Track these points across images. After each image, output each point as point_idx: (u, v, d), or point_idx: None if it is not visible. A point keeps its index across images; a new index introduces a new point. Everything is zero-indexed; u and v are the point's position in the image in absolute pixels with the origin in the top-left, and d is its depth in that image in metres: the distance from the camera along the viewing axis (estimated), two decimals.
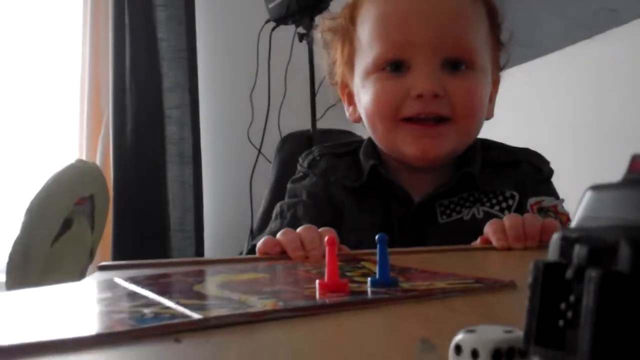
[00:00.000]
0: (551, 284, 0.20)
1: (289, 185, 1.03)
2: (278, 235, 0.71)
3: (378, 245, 0.49)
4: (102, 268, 0.67)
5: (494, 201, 0.92)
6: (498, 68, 1.00)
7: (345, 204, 0.94)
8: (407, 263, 0.60)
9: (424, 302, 0.45)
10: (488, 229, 0.77)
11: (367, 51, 0.94)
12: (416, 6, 0.92)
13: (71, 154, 2.49)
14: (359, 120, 0.99)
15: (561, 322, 0.20)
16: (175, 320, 0.38)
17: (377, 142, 0.96)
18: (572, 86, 1.28)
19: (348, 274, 0.54)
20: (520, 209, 0.90)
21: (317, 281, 0.46)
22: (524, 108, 1.45)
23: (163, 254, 2.54)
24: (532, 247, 0.75)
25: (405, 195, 0.93)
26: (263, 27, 2.32)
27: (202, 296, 0.46)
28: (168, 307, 0.42)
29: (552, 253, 0.22)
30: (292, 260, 0.66)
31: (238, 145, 2.48)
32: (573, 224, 0.23)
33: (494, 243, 0.75)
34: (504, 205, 0.91)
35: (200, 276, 0.54)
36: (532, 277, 0.21)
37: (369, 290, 0.47)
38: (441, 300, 0.45)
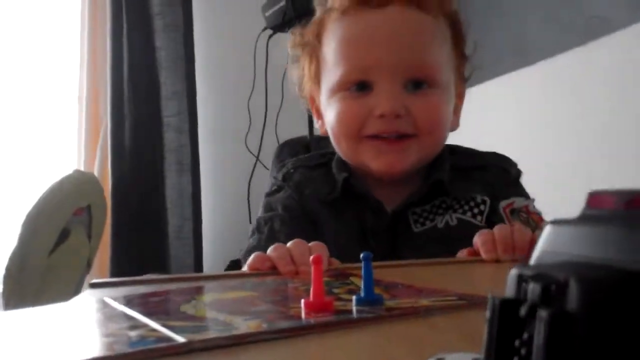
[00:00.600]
0: (507, 320, 0.21)
1: (264, 199, 1.06)
2: (269, 250, 0.72)
3: (363, 263, 0.49)
4: (93, 286, 0.68)
5: (466, 207, 0.94)
6: (463, 80, 1.03)
7: (321, 216, 0.96)
8: (394, 277, 0.60)
9: (408, 321, 0.45)
10: (477, 240, 0.78)
11: (332, 70, 0.97)
12: (379, 29, 0.94)
13: (70, 164, 2.50)
14: (327, 134, 1.01)
15: (516, 359, 0.21)
16: (160, 345, 0.39)
17: (343, 158, 0.99)
18: (564, 93, 1.29)
19: (335, 290, 0.55)
20: (493, 213, 0.92)
21: (302, 300, 0.47)
22: (517, 115, 1.45)
23: (162, 262, 2.55)
24: (521, 259, 0.75)
25: (378, 206, 0.95)
26: (260, 34, 2.34)
27: (188, 317, 0.46)
28: (154, 330, 0.43)
29: (509, 289, 0.22)
30: (282, 276, 0.67)
31: (236, 153, 2.50)
32: (533, 259, 0.24)
33: (483, 255, 0.76)
34: (475, 210, 0.93)
35: (188, 294, 0.54)
36: (489, 312, 0.21)
37: (354, 309, 0.48)
38: (425, 319, 0.46)
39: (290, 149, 2.00)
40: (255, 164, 2.44)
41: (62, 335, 0.45)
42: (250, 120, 2.47)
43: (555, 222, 0.24)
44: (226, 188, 2.64)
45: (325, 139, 1.04)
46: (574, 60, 1.22)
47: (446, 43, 0.97)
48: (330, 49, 0.98)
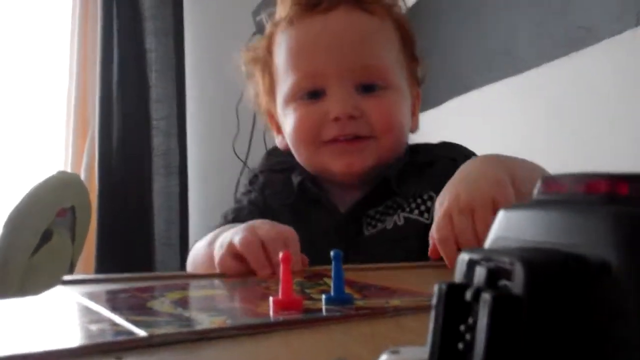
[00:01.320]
0: (454, 306, 0.20)
1: (234, 200, 1.06)
2: (239, 246, 0.69)
3: (333, 262, 0.49)
4: (65, 282, 0.67)
5: (413, 205, 0.92)
6: (417, 82, 1.04)
7: (282, 219, 0.94)
8: (369, 279, 0.60)
9: (376, 320, 0.45)
10: (435, 237, 0.72)
11: (284, 81, 0.98)
12: (325, 35, 0.94)
13: (57, 165, 2.48)
14: (287, 148, 1.01)
15: (460, 345, 0.20)
16: (119, 338, 0.38)
17: (305, 166, 0.98)
18: (549, 104, 1.29)
19: (307, 290, 0.54)
20: None
21: (271, 298, 0.46)
22: (502, 124, 1.45)
23: (147, 266, 2.53)
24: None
25: (332, 208, 0.95)
26: (250, 39, 2.33)
27: (153, 313, 0.45)
28: (116, 324, 0.42)
29: (457, 273, 0.22)
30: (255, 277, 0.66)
31: (224, 157, 2.48)
32: (486, 244, 0.23)
33: (446, 261, 0.72)
34: (422, 208, 0.91)
35: (157, 292, 0.53)
36: (436, 298, 0.21)
37: (323, 307, 0.47)
38: (393, 318, 0.45)
39: (277, 155, 1.99)
40: (243, 169, 2.42)
41: (22, 328, 0.45)
42: (238, 125, 2.47)
43: (508, 208, 0.23)
44: (213, 192, 2.63)
45: None
46: (559, 70, 1.22)
47: (394, 45, 0.98)
48: (280, 60, 0.98)
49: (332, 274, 0.48)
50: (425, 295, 0.50)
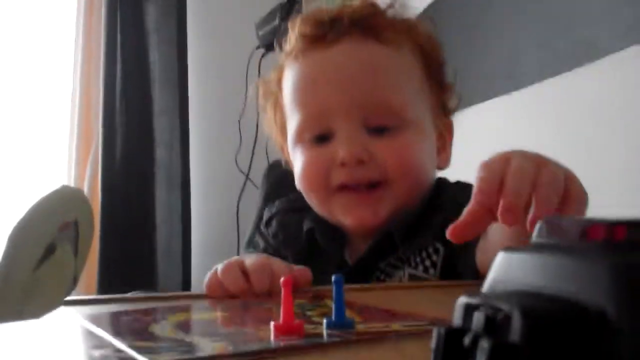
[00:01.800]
0: (452, 351, 0.21)
1: (254, 229, 1.01)
2: (219, 271, 0.69)
3: (334, 286, 0.49)
4: (67, 303, 0.67)
5: (418, 259, 0.82)
6: (445, 112, 0.94)
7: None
8: (371, 300, 0.60)
9: (377, 346, 0.45)
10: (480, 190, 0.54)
11: (290, 119, 0.90)
12: (329, 69, 0.86)
13: (60, 179, 2.49)
14: None
15: None
16: None
17: (317, 212, 0.90)
18: (552, 119, 1.29)
19: (308, 312, 0.54)
20: (452, 261, 0.79)
21: (272, 323, 0.46)
22: (504, 140, 1.45)
23: (150, 279, 2.53)
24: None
25: (340, 262, 0.87)
26: (253, 53, 2.35)
27: (155, 338, 0.46)
28: (119, 350, 0.42)
29: (456, 317, 0.22)
30: (256, 297, 0.66)
31: (226, 171, 2.49)
32: (484, 287, 0.24)
33: (501, 220, 0.51)
34: (427, 263, 0.82)
35: (159, 314, 0.53)
36: (435, 342, 0.21)
37: (324, 332, 0.47)
38: (394, 344, 0.45)
39: (279, 168, 1.99)
40: (245, 182, 2.43)
41: (25, 354, 0.45)
42: (240, 139, 2.47)
43: (507, 250, 0.23)
44: (216, 205, 2.64)
45: None
46: (561, 85, 1.22)
47: (414, 75, 0.88)
48: (287, 96, 0.91)
49: (333, 298, 0.48)
50: (426, 319, 0.50)
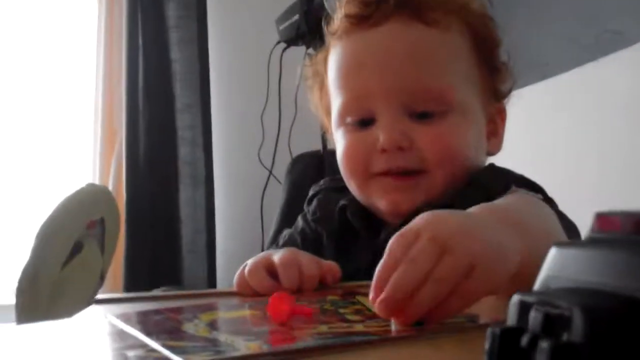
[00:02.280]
0: (508, 351, 0.20)
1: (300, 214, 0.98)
2: (246, 271, 0.70)
3: None
4: (98, 302, 0.67)
5: None
6: (497, 96, 0.90)
7: (327, 250, 0.88)
8: None
9: (414, 343, 0.44)
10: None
11: (334, 100, 0.88)
12: (373, 52, 0.84)
13: (85, 177, 2.51)
14: None
15: None
16: None
17: (356, 197, 0.88)
18: (577, 109, 1.27)
19: (341, 310, 0.53)
20: None
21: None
22: (528, 131, 1.43)
23: (175, 275, 2.54)
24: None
25: (371, 241, 0.84)
26: (274, 48, 2.34)
27: (189, 337, 0.45)
28: (153, 350, 0.42)
29: (510, 317, 0.21)
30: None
31: (249, 166, 2.49)
32: (537, 284, 0.23)
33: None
34: None
35: (190, 313, 0.53)
36: (489, 343, 0.20)
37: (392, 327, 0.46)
38: (433, 340, 0.44)
39: (303, 163, 1.99)
40: (269, 177, 2.43)
41: (57, 354, 0.45)
42: (263, 134, 2.47)
43: (560, 245, 0.23)
44: (239, 201, 2.64)
45: None
46: (587, 75, 1.21)
47: (463, 58, 0.85)
48: (331, 77, 0.89)
49: None
50: (468, 316, 0.49)
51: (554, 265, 0.22)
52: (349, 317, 0.51)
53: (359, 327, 0.47)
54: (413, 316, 0.45)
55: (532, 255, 0.47)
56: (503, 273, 0.47)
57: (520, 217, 0.57)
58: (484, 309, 0.49)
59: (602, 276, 0.20)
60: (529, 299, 0.20)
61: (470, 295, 0.46)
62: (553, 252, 0.23)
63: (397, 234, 0.48)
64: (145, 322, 0.51)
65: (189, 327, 0.47)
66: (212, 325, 0.48)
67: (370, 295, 0.46)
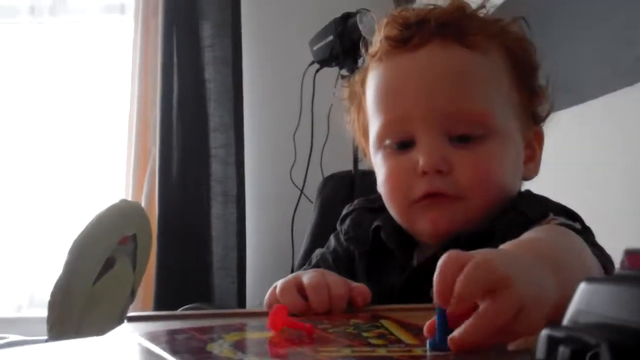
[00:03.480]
0: None
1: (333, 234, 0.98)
2: (277, 291, 0.70)
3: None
4: (130, 319, 0.68)
5: None
6: (535, 120, 0.89)
7: (359, 270, 0.88)
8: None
9: None
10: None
11: (373, 123, 0.88)
12: (414, 75, 0.83)
13: (118, 193, 2.54)
14: None
15: None
16: None
17: (395, 219, 0.87)
18: (613, 133, 1.25)
19: (364, 334, 0.53)
20: None
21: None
22: (564, 155, 1.42)
23: (205, 292, 2.55)
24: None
25: (405, 263, 0.85)
26: (307, 68, 2.35)
27: (213, 357, 0.45)
28: None
29: (539, 351, 0.20)
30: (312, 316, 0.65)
31: (281, 185, 2.50)
32: (566, 318, 0.22)
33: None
34: None
35: (215, 333, 0.53)
36: None
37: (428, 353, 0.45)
38: None
39: (334, 183, 1.99)
40: (300, 197, 2.43)
41: None
42: (295, 154, 2.48)
43: (590, 280, 0.22)
44: (270, 220, 2.65)
45: (370, 174, 0.96)
46: (623, 100, 1.19)
47: (502, 81, 0.84)
48: (369, 99, 0.88)
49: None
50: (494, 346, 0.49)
51: (583, 299, 0.22)
52: (373, 341, 0.50)
53: (381, 352, 0.46)
54: (470, 340, 0.44)
55: (566, 291, 0.45)
56: (544, 316, 0.46)
57: (555, 253, 0.56)
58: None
59: (630, 313, 0.19)
60: (558, 333, 0.20)
61: (513, 336, 0.46)
62: (582, 286, 0.22)
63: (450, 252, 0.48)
64: (171, 342, 0.51)
65: (213, 347, 0.47)
66: (237, 346, 0.48)
67: (436, 297, 0.46)
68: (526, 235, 0.62)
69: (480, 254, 0.47)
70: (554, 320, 0.50)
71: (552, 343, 0.20)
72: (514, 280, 0.45)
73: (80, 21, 2.72)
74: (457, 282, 0.44)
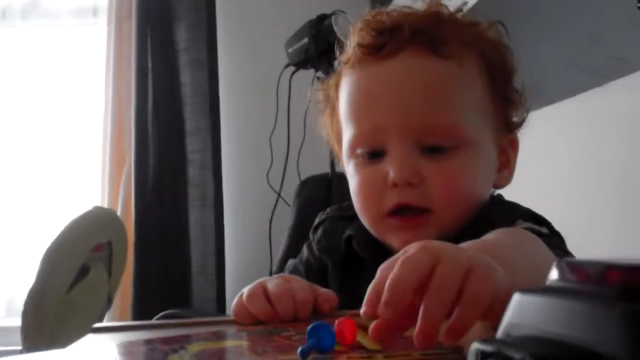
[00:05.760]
0: None
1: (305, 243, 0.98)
2: (244, 297, 0.70)
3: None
4: (95, 330, 0.67)
5: None
6: (509, 127, 0.89)
7: (332, 280, 0.88)
8: None
9: None
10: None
11: (345, 130, 0.87)
12: (385, 86, 0.82)
13: (93, 199, 2.52)
14: None
15: None
16: None
17: (366, 227, 0.88)
18: (584, 134, 1.26)
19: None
20: None
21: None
22: (535, 156, 1.43)
23: (184, 298, 2.54)
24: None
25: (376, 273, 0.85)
26: (283, 71, 2.35)
27: None
28: None
29: None
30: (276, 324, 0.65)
31: (258, 189, 2.49)
32: (499, 330, 0.22)
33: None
34: None
35: (178, 343, 0.53)
36: None
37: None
38: None
39: (311, 186, 1.99)
40: (277, 200, 2.43)
41: None
42: (272, 157, 2.48)
43: (524, 292, 0.22)
44: (248, 224, 2.64)
45: (346, 177, 0.96)
46: (593, 100, 1.20)
47: (476, 92, 0.84)
48: (342, 106, 0.88)
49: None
50: (453, 347, 0.49)
51: (516, 312, 0.22)
52: (335, 347, 0.50)
53: (341, 359, 0.46)
54: (430, 331, 0.43)
55: (513, 287, 0.46)
56: (499, 278, 0.46)
57: (506, 253, 0.55)
58: (469, 341, 0.48)
59: (560, 326, 0.20)
60: (488, 348, 0.20)
61: (478, 296, 0.44)
62: (516, 298, 0.22)
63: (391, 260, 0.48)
64: (132, 354, 0.50)
65: (173, 359, 0.47)
66: (198, 357, 0.47)
67: (363, 309, 0.46)
68: (484, 238, 0.62)
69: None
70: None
71: (482, 358, 0.20)
72: (452, 251, 0.46)
73: (52, 25, 2.69)
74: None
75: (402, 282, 0.44)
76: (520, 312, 0.22)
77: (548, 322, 0.20)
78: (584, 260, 0.21)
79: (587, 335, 0.19)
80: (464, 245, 0.55)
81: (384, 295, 0.44)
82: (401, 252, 0.49)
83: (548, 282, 0.22)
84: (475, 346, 0.20)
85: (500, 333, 0.22)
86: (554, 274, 0.22)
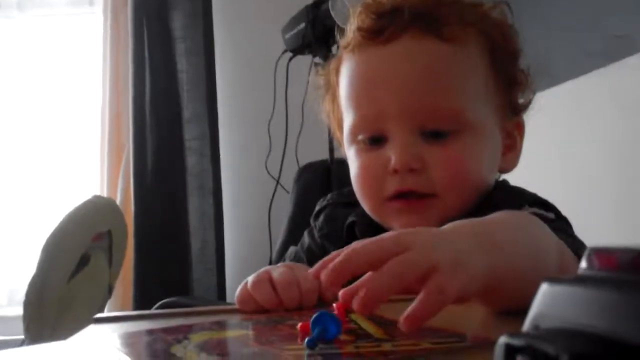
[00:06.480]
0: None
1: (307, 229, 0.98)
2: (249, 285, 0.68)
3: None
4: (97, 321, 0.66)
5: None
6: (515, 110, 0.87)
7: None
8: (395, 314, 0.57)
9: None
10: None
11: (345, 116, 0.86)
12: (386, 70, 0.81)
13: (92, 189, 2.51)
14: None
15: None
16: None
17: (368, 214, 0.86)
18: (587, 116, 1.25)
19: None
20: None
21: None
22: (537, 139, 1.42)
23: (184, 286, 2.53)
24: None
25: None
26: (280, 57, 2.33)
27: None
28: None
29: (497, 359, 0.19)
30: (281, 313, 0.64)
31: (257, 176, 2.48)
32: (526, 322, 0.21)
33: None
34: None
35: (181, 333, 0.52)
36: None
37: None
38: None
39: (310, 172, 1.98)
40: (276, 187, 2.42)
41: None
42: (270, 144, 2.46)
43: (551, 282, 0.21)
44: (247, 211, 2.63)
45: (346, 162, 0.94)
46: (596, 81, 1.19)
47: (478, 75, 0.81)
48: (342, 91, 0.87)
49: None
50: (457, 334, 0.48)
51: (545, 302, 0.21)
52: (342, 336, 0.49)
53: (349, 348, 0.45)
54: (369, 298, 0.43)
55: (507, 272, 0.48)
56: (468, 275, 0.45)
57: (506, 232, 0.54)
58: (472, 328, 0.47)
59: (591, 317, 0.18)
60: (516, 342, 0.19)
61: (441, 288, 0.43)
62: (544, 288, 0.21)
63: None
64: (135, 344, 0.49)
65: (177, 350, 0.46)
66: (202, 347, 0.46)
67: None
68: (482, 218, 0.59)
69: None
70: (500, 302, 0.49)
71: (510, 352, 0.19)
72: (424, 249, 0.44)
73: (48, 15, 2.67)
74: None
75: (355, 256, 0.45)
76: (549, 302, 0.21)
77: (579, 313, 0.19)
78: (614, 247, 0.20)
79: (620, 327, 0.17)
80: (460, 222, 0.54)
81: (334, 261, 0.45)
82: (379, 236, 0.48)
83: (579, 271, 0.21)
84: (503, 340, 0.19)
85: (527, 325, 0.21)
86: (585, 263, 0.21)
